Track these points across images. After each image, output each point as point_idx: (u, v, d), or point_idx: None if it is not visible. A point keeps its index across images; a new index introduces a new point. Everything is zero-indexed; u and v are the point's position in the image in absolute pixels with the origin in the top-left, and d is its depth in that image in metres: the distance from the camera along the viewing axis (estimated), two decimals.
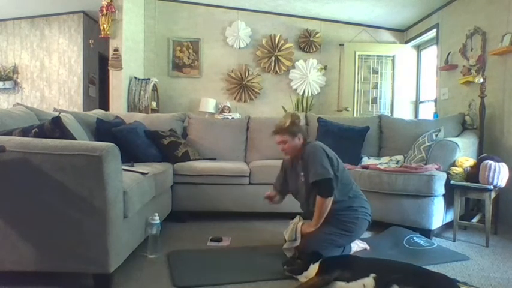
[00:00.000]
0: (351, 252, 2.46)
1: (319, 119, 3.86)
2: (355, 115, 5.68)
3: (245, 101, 5.90)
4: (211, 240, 2.72)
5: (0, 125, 2.12)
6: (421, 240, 2.68)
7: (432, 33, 5.06)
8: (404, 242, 2.65)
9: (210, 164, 3.41)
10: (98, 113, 3.70)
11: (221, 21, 5.90)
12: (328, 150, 2.37)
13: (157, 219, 2.37)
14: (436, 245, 2.66)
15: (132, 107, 5.23)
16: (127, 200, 1.95)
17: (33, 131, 2.02)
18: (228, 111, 5.63)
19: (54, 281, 1.94)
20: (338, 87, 5.98)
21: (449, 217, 3.02)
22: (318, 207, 2.28)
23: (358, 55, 5.75)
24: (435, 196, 2.83)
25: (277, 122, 2.51)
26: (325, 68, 5.90)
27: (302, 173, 2.39)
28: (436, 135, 3.23)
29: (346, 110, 5.73)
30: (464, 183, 2.84)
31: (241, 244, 2.69)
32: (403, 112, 5.61)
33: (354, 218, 2.35)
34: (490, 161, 2.81)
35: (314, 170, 2.26)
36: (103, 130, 3.26)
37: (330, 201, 2.27)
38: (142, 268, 2.18)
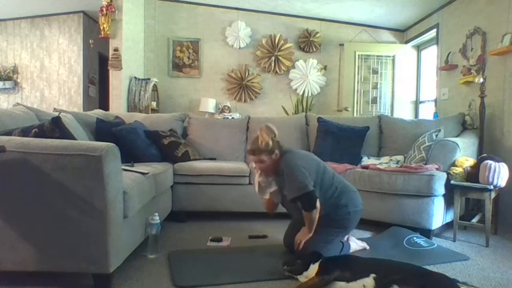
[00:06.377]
0: (350, 252, 2.46)
1: (319, 119, 3.86)
2: (355, 115, 5.68)
3: (245, 101, 5.90)
4: (211, 240, 2.72)
5: (0, 125, 2.11)
6: (421, 241, 2.68)
7: (432, 33, 5.07)
8: (404, 242, 2.65)
9: (210, 164, 3.41)
10: (98, 113, 3.70)
11: (221, 21, 5.90)
12: (304, 158, 2.32)
13: (157, 219, 2.37)
14: (436, 245, 2.65)
15: (132, 107, 5.23)
16: (127, 200, 1.95)
17: (33, 131, 2.02)
18: (228, 111, 5.63)
19: (54, 281, 1.94)
20: (338, 87, 5.98)
21: (449, 217, 3.02)
22: (307, 219, 2.27)
23: (358, 55, 5.75)
24: (435, 196, 2.83)
25: (254, 139, 2.37)
26: (325, 68, 5.91)
27: (279, 187, 2.37)
28: (436, 135, 3.23)
29: (346, 110, 5.73)
30: (464, 183, 2.84)
31: (241, 244, 2.69)
32: (403, 112, 5.62)
33: (346, 213, 2.35)
34: (490, 161, 2.81)
35: (293, 186, 2.23)
36: (103, 130, 3.26)
37: (316, 212, 2.25)
38: (143, 268, 2.18)
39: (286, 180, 2.26)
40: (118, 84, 5.09)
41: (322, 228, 2.29)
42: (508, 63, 3.50)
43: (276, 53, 5.85)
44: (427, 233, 2.85)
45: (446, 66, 4.44)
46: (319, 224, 2.29)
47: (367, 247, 2.57)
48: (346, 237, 2.60)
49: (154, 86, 5.53)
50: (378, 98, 5.81)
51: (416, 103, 5.73)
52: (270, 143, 2.30)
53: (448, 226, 3.06)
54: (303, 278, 1.97)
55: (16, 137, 1.90)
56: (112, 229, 1.79)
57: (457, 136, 3.45)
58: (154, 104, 5.55)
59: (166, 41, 5.86)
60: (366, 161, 3.56)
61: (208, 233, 2.86)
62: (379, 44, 5.89)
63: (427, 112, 5.35)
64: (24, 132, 2.01)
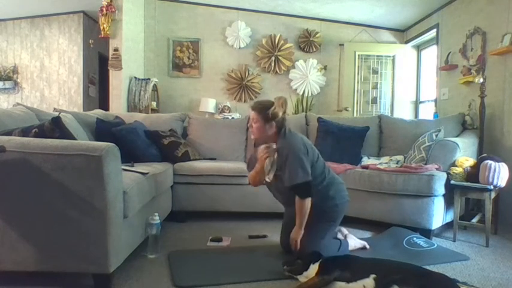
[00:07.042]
0: (349, 249, 2.46)
1: (319, 119, 3.86)
2: (355, 115, 5.68)
3: (245, 101, 5.90)
4: (211, 240, 2.72)
5: (0, 125, 2.11)
6: (421, 241, 2.68)
7: (432, 33, 5.07)
8: (404, 243, 2.65)
9: (210, 164, 3.41)
10: (98, 113, 3.70)
11: (221, 21, 5.90)
12: (304, 143, 2.28)
13: (157, 219, 2.37)
14: (436, 245, 2.65)
15: (132, 107, 5.23)
16: (127, 200, 1.95)
17: (33, 131, 2.02)
18: (228, 111, 5.63)
19: (54, 281, 1.94)
20: (338, 87, 5.98)
21: (449, 217, 3.02)
22: (299, 209, 2.25)
23: (358, 55, 5.75)
24: (435, 196, 2.83)
25: (264, 99, 2.37)
26: (325, 68, 5.91)
27: (276, 167, 2.32)
28: (436, 135, 3.23)
29: (346, 110, 5.73)
30: (464, 183, 2.84)
31: (241, 244, 2.69)
32: (403, 112, 5.62)
33: (334, 205, 2.35)
34: (490, 161, 2.81)
35: (294, 172, 2.19)
36: (103, 130, 3.26)
37: (309, 201, 2.23)
38: (143, 268, 2.18)
39: (288, 165, 2.21)
40: (118, 84, 5.09)
41: (312, 225, 2.28)
42: (508, 63, 3.50)
43: (276, 53, 5.85)
44: (427, 233, 2.85)
45: (446, 66, 4.44)
46: (309, 219, 2.27)
47: (367, 246, 2.57)
48: (345, 234, 2.60)
49: (154, 86, 5.53)
50: (378, 98, 5.81)
51: (416, 103, 5.73)
52: (275, 110, 2.25)
53: (448, 226, 3.06)
54: (303, 278, 1.97)
55: (16, 137, 1.90)
56: (112, 229, 1.79)
57: (457, 136, 3.45)
58: (154, 104, 5.55)
59: (166, 41, 5.86)
60: (366, 161, 3.56)
61: (208, 233, 2.86)
62: (379, 44, 5.89)
63: (427, 112, 5.35)
64: (24, 132, 2.01)
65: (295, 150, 2.22)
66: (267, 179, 2.41)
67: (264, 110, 2.28)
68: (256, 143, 2.46)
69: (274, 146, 2.31)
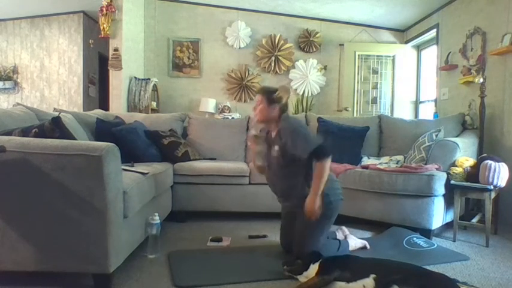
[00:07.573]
0: (350, 250, 2.46)
1: (319, 119, 3.86)
2: (355, 115, 5.68)
3: (245, 101, 5.90)
4: (211, 240, 2.72)
5: (0, 125, 2.11)
6: (421, 241, 2.68)
7: (432, 33, 5.07)
8: (404, 243, 2.65)
9: (210, 164, 3.42)
10: (98, 113, 3.70)
11: (221, 21, 5.90)
12: (304, 125, 2.42)
13: (157, 219, 2.37)
14: (436, 245, 2.65)
15: (132, 107, 5.24)
16: (127, 200, 1.95)
17: (33, 131, 2.02)
18: (228, 111, 5.64)
19: (54, 281, 1.94)
20: (338, 87, 5.98)
21: (449, 217, 3.02)
22: (319, 173, 2.19)
23: (358, 55, 5.75)
24: (435, 196, 2.83)
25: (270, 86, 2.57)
26: (325, 68, 5.91)
27: (277, 147, 2.35)
28: (436, 135, 3.23)
29: (346, 110, 5.73)
30: (464, 183, 2.84)
31: (241, 244, 2.69)
32: (403, 112, 5.62)
33: (328, 202, 2.32)
34: (490, 161, 2.81)
35: (307, 141, 2.23)
36: (103, 130, 3.26)
37: (329, 163, 2.21)
38: (143, 268, 2.18)
39: (297, 139, 2.25)
40: (118, 84, 5.09)
41: (308, 223, 2.26)
42: (508, 63, 3.50)
43: (276, 53, 5.85)
44: (427, 233, 2.85)
45: (446, 66, 4.44)
46: (302, 218, 2.26)
47: (368, 246, 2.57)
48: (345, 234, 2.60)
49: (154, 86, 5.53)
50: (378, 98, 5.81)
51: (416, 103, 5.73)
52: (279, 95, 2.37)
53: (448, 226, 3.06)
54: (303, 278, 1.97)
55: (16, 137, 1.90)
56: (112, 229, 1.80)
57: (457, 136, 3.45)
58: (154, 104, 5.55)
59: (166, 41, 5.86)
60: (366, 161, 3.56)
61: (208, 233, 2.86)
62: (379, 44, 5.89)
63: (427, 112, 5.35)
64: (24, 132, 2.01)
65: (299, 125, 2.38)
66: (259, 163, 2.51)
67: (269, 93, 2.41)
68: (261, 129, 2.58)
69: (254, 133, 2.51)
